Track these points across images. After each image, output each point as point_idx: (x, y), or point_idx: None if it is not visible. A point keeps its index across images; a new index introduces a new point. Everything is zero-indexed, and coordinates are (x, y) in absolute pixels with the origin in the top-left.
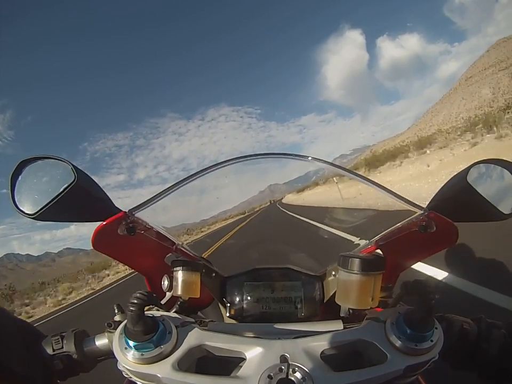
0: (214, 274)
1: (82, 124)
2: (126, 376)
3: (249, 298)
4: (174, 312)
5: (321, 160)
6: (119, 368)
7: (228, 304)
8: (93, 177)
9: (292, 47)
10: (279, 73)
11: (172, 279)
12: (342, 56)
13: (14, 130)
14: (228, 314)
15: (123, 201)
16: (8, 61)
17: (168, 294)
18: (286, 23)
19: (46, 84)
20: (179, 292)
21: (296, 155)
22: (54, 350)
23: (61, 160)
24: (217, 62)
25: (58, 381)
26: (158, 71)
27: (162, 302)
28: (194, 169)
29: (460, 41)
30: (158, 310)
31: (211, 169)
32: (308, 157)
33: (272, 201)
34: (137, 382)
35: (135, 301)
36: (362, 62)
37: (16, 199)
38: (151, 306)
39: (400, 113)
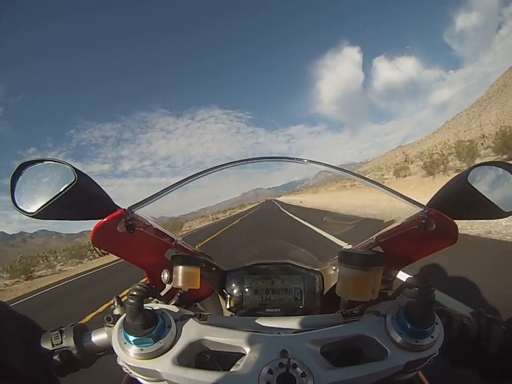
0: (214, 269)
1: (72, 109)
2: (126, 371)
3: (249, 290)
4: (173, 304)
5: (317, 162)
6: (118, 363)
7: (228, 296)
8: (76, 164)
9: (290, 58)
10: (273, 82)
11: (172, 272)
12: (338, 73)
13: (3, 108)
14: (227, 306)
15: (105, 189)
16: (6, 37)
17: (168, 286)
18: (287, 34)
19: (41, 64)
20: (179, 284)
21: (292, 158)
22: (53, 345)
23: (61, 163)
24: (213, 63)
25: (58, 377)
26: (153, 63)
27: (162, 293)
28: (179, 167)
29: (455, 68)
30: (157, 303)
31: (212, 171)
32: (304, 159)
33: (267, 200)
34: (137, 378)
35: (135, 293)
36: (357, 81)
37: (16, 199)
38: (150, 298)
39: (389, 133)
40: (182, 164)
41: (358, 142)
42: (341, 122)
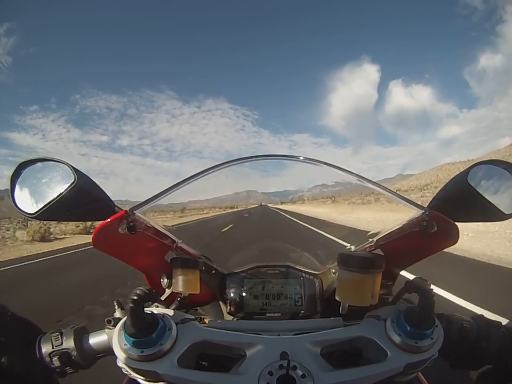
0: (214, 272)
1: (81, 75)
2: (125, 373)
3: (249, 294)
4: (173, 308)
5: (314, 160)
6: (118, 365)
7: (228, 301)
8: (76, 131)
9: (308, 64)
10: (287, 86)
11: (171, 276)
12: (353, 89)
13: (13, 58)
14: (228, 310)
15: (99, 161)
16: None
17: (168, 291)
18: (309, 40)
19: (60, 23)
20: (179, 288)
21: (289, 156)
22: (53, 347)
23: (60, 162)
24: (230, 57)
25: (57, 378)
26: (170, 41)
27: (162, 298)
28: (177, 152)
29: (469, 108)
30: (158, 307)
31: (213, 170)
32: (300, 157)
33: (261, 204)
34: (137, 379)
35: (135, 297)
36: (370, 101)
37: (16, 199)
38: (150, 302)
39: (391, 158)
40: (181, 150)
41: (358, 162)
42: (345, 139)
